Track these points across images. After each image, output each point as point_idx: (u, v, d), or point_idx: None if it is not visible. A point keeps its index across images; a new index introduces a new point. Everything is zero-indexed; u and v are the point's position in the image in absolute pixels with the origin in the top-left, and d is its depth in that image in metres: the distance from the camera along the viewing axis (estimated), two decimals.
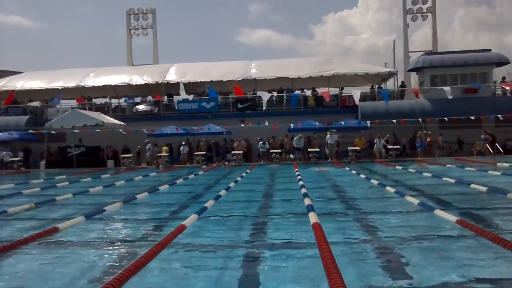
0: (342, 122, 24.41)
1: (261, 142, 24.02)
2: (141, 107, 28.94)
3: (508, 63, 26.39)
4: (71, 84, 30.23)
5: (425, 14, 35.09)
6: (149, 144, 24.65)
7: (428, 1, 34.86)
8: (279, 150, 23.81)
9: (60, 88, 30.22)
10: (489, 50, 27.40)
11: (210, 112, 27.52)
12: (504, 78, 27.50)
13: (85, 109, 27.66)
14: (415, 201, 8.41)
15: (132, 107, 29.09)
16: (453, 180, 12.00)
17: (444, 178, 12.57)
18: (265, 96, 29.15)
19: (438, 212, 7.10)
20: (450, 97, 23.59)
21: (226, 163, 22.72)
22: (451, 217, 6.53)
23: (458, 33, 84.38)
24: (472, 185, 10.58)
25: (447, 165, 17.65)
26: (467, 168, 15.95)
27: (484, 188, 9.94)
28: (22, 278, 4.73)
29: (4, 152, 24.98)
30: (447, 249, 5.26)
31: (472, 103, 23.89)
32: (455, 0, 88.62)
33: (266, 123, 24.35)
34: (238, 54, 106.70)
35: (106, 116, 25.86)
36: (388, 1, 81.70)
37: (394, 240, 5.74)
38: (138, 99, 30.64)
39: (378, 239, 5.89)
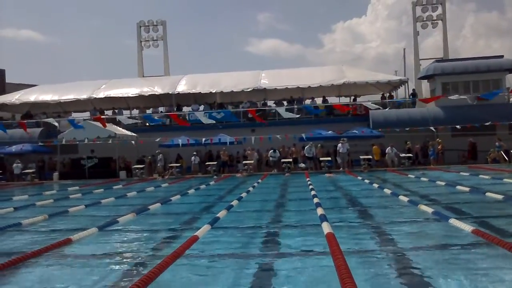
0: (356, 131, 24.27)
1: (272, 151, 23.99)
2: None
3: None
4: (83, 96, 30.60)
5: (435, 21, 34.88)
6: (161, 154, 24.77)
7: (438, 8, 34.69)
8: (290, 160, 23.73)
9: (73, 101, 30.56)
10: (502, 56, 27.16)
11: (221, 122, 27.54)
12: None
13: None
14: (429, 210, 8.30)
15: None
16: (467, 189, 11.83)
17: (458, 187, 12.40)
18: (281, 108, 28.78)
19: (454, 221, 6.99)
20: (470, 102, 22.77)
21: (244, 173, 22.71)
22: (467, 227, 6.43)
23: (469, 39, 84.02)
24: (488, 193, 10.42)
25: (461, 173, 17.46)
26: (481, 176, 15.74)
27: (500, 197, 9.78)
28: None
29: (14, 165, 25.44)
30: (463, 259, 5.17)
31: (485, 111, 23.64)
32: (465, 6, 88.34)
33: (278, 137, 24.24)
34: (247, 64, 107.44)
35: (118, 128, 26.06)
36: (397, 9, 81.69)
37: (409, 250, 5.66)
38: (149, 111, 30.88)
39: (393, 249, 5.81)
